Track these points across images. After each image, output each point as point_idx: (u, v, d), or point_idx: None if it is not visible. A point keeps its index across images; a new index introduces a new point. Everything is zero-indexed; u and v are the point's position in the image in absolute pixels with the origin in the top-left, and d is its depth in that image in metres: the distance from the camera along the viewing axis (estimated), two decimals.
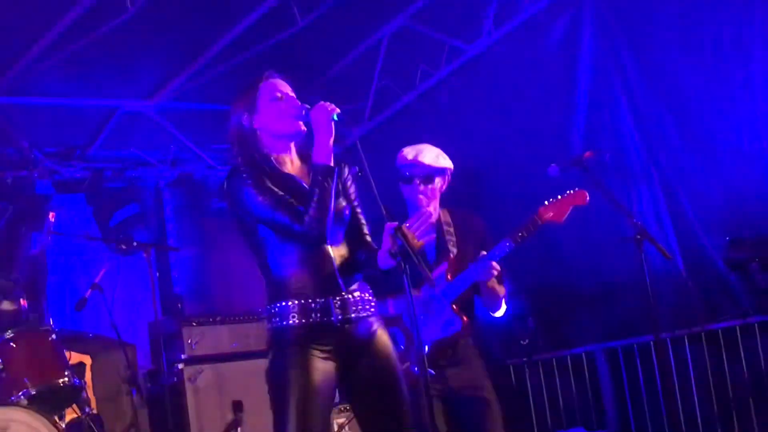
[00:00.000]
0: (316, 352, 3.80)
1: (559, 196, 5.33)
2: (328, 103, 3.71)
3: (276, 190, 3.75)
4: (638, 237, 5.38)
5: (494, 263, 5.17)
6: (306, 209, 3.66)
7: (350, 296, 3.90)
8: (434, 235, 4.83)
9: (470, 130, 8.40)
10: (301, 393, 3.77)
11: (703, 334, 7.27)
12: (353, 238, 4.11)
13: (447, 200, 7.70)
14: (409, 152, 5.38)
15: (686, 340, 7.31)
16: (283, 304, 3.81)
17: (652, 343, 7.19)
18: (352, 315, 3.86)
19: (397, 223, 3.70)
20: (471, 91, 8.51)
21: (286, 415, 3.78)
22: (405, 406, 3.91)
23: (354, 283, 3.92)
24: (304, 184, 3.84)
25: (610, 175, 7.07)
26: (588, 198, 5.33)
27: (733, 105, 7.09)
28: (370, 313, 3.92)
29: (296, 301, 3.80)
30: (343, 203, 3.99)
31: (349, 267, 3.97)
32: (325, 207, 3.68)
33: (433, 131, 8.61)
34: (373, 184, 3.86)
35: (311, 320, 3.78)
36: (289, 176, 3.88)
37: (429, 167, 5.21)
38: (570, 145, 7.71)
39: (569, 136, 7.91)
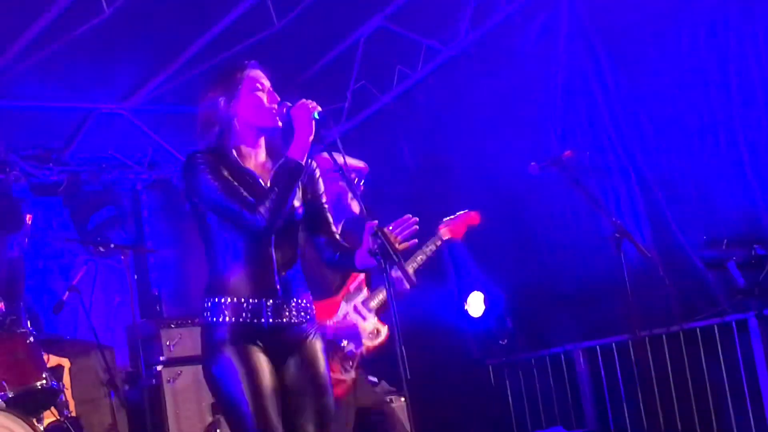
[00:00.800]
0: (249, 346, 3.79)
1: (454, 216, 5.44)
2: (310, 101, 3.67)
3: (231, 180, 3.72)
4: (617, 236, 5.40)
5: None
6: (263, 200, 3.63)
7: (285, 301, 3.86)
8: (416, 240, 4.83)
9: (447, 131, 8.46)
10: (246, 376, 3.74)
11: (681, 332, 7.29)
12: (320, 236, 4.07)
13: (420, 199, 7.74)
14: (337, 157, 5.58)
15: (664, 339, 7.35)
16: (216, 300, 3.77)
17: (630, 342, 7.09)
18: (284, 320, 3.83)
19: (377, 221, 3.63)
20: (448, 92, 8.47)
21: (237, 401, 3.73)
22: (327, 417, 3.93)
23: (293, 288, 3.88)
24: (261, 182, 3.81)
25: (587, 174, 6.83)
26: (480, 219, 5.56)
27: (709, 104, 7.06)
28: (303, 320, 3.89)
29: (229, 299, 3.77)
30: (297, 203, 3.93)
31: (290, 271, 3.91)
32: (284, 202, 3.64)
33: (411, 131, 8.87)
34: (352, 183, 4.06)
35: (241, 320, 3.75)
36: (247, 171, 3.84)
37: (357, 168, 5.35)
38: (547, 145, 7.64)
39: (547, 135, 7.87)
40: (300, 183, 3.84)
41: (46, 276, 8.01)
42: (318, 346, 3.96)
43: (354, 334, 5.35)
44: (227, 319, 3.75)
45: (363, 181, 5.48)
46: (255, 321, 3.75)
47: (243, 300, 3.75)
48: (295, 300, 3.85)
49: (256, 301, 3.77)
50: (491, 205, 7.46)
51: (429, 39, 8.41)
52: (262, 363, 3.78)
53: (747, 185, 7.02)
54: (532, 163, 5.89)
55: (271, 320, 3.75)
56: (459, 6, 7.87)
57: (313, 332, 3.97)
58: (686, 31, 7.38)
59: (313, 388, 3.89)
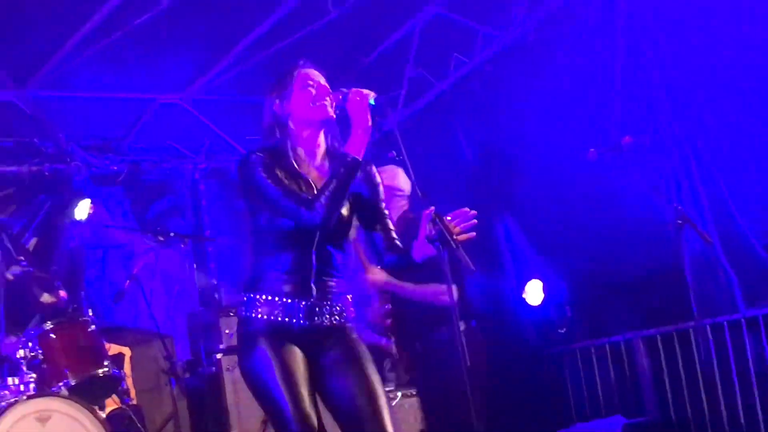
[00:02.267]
0: (282, 340, 3.80)
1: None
2: (364, 89, 3.67)
3: (286, 181, 3.73)
4: (679, 222, 5.26)
5: None
6: (318, 196, 3.62)
7: (319, 304, 3.86)
8: (474, 234, 4.90)
9: (505, 118, 8.31)
10: (277, 368, 3.73)
11: (743, 320, 7.18)
12: (380, 242, 4.07)
13: (477, 189, 7.74)
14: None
15: (726, 327, 7.22)
16: (252, 296, 3.81)
17: (691, 330, 7.19)
18: (316, 322, 3.83)
19: (434, 207, 3.59)
20: (505, 79, 8.33)
21: (271, 391, 3.71)
22: (372, 397, 3.87)
23: (329, 292, 3.88)
24: (315, 188, 3.81)
25: (647, 160, 6.77)
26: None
27: None
28: (335, 323, 3.89)
29: (265, 296, 3.81)
30: (345, 212, 3.94)
31: (329, 275, 3.91)
32: (340, 198, 3.64)
33: (467, 119, 8.75)
34: (411, 169, 3.87)
35: (273, 318, 3.78)
36: (302, 176, 3.85)
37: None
38: (607, 131, 7.34)
39: (606, 121, 7.61)
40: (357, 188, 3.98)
41: (106, 265, 8.04)
42: (355, 341, 3.97)
43: None
44: (261, 316, 3.81)
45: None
46: (287, 320, 3.79)
47: (278, 299, 3.80)
48: (329, 304, 3.87)
49: (290, 301, 3.80)
50: (550, 193, 7.61)
51: (485, 26, 8.27)
52: (296, 355, 3.81)
53: None
54: (591, 150, 5.71)
55: (302, 321, 3.78)
56: None
57: (348, 327, 3.97)
58: (746, 14, 7.10)
59: (356, 375, 3.88)
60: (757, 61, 7.03)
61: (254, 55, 7.68)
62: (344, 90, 3.74)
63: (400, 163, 4.05)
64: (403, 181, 5.84)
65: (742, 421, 7.28)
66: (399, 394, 6.90)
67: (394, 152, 3.87)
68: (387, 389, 6.13)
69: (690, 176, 7.32)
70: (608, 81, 7.69)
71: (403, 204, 5.94)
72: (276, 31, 7.43)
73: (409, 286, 5.82)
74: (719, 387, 7.18)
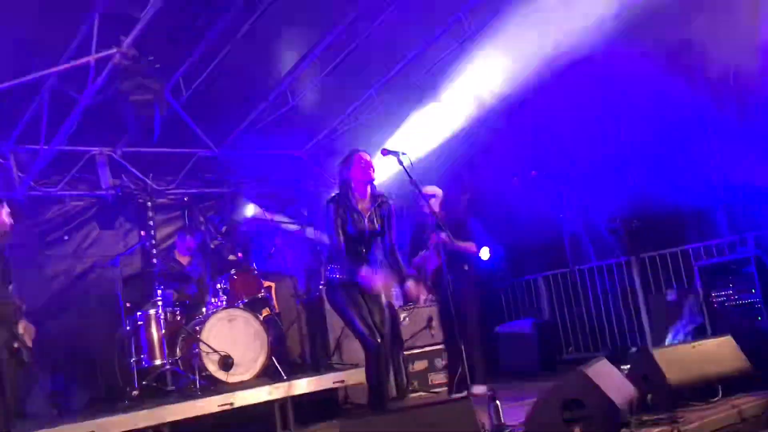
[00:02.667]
0: (348, 288, 5.13)
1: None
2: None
3: (338, 218, 5.05)
4: (560, 215, 7.41)
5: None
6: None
7: (367, 270, 5.09)
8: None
9: (479, 167, 8.88)
10: (349, 299, 5.10)
11: (594, 267, 8.50)
12: (386, 244, 5.28)
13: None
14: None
15: (586, 270, 8.67)
16: (333, 266, 5.18)
17: (568, 271, 8.72)
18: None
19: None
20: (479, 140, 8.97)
21: (347, 313, 5.13)
22: (385, 319, 5.16)
23: (371, 263, 5.14)
24: (363, 217, 5.11)
25: (544, 183, 8.21)
26: None
27: None
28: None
29: (340, 267, 5.16)
30: (378, 226, 5.21)
31: (369, 257, 5.18)
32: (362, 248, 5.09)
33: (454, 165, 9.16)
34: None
35: (346, 277, 5.10)
36: (356, 209, 5.12)
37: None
38: (523, 168, 8.53)
39: (522, 162, 8.71)
40: (380, 216, 5.21)
41: (262, 239, 8.95)
42: (380, 290, 5.20)
43: None
44: (338, 276, 5.16)
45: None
46: (352, 279, 5.09)
47: (348, 268, 5.11)
48: (372, 269, 5.12)
49: (353, 269, 5.09)
50: (495, 205, 8.22)
51: None
52: (356, 295, 5.14)
53: None
54: (533, 172, 7.55)
55: (357, 280, 5.06)
56: None
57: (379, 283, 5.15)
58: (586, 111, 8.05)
59: (379, 307, 5.21)
60: (593, 134, 8.12)
61: (348, 126, 9.00)
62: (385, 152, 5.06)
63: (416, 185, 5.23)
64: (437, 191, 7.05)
65: (594, 321, 8.71)
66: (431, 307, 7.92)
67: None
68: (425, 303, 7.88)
69: (567, 193, 8.50)
70: (522, 140, 8.73)
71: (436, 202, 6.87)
72: (361, 107, 8.81)
73: (459, 243, 6.78)
74: (582, 302, 8.81)
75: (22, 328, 5.06)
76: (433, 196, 6.86)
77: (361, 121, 8.87)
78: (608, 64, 7.60)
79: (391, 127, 8.97)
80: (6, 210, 5.21)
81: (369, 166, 5.10)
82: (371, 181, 5.11)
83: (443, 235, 6.45)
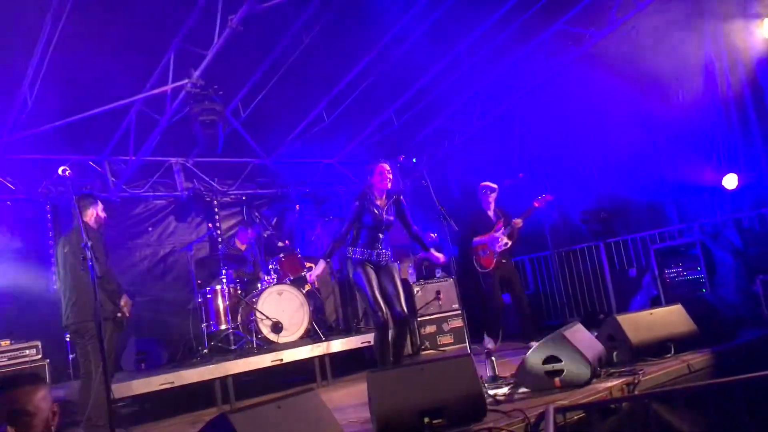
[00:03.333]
0: (366, 266, 5.13)
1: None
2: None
3: (355, 214, 5.02)
4: (537, 206, 6.94)
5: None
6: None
7: (380, 252, 5.16)
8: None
9: (472, 173, 8.35)
10: (366, 278, 5.09)
11: (579, 248, 8.29)
12: (407, 229, 5.26)
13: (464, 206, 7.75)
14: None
15: (571, 251, 8.46)
16: (354, 248, 5.19)
17: (553, 253, 8.44)
18: (381, 259, 5.17)
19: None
20: (480, 148, 8.89)
21: (364, 289, 5.06)
22: (397, 287, 5.12)
23: (383, 247, 5.16)
24: (381, 212, 5.07)
25: (528, 185, 7.93)
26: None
27: None
28: (388, 258, 5.18)
29: (359, 249, 5.17)
30: (391, 217, 5.16)
31: (384, 241, 5.17)
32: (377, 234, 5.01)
33: (456, 171, 9.25)
34: (433, 192, 5.00)
35: (364, 257, 5.13)
36: (376, 205, 5.14)
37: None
38: (511, 171, 8.24)
39: (510, 166, 8.48)
40: (395, 211, 5.18)
41: (305, 230, 9.20)
42: (394, 268, 5.20)
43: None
44: (358, 256, 5.16)
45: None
46: (368, 258, 5.15)
47: (365, 250, 5.15)
48: (384, 251, 5.17)
49: (370, 251, 5.15)
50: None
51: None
52: (372, 273, 5.13)
53: None
54: (520, 174, 7.41)
55: (374, 258, 5.15)
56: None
57: (391, 263, 5.19)
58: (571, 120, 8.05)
59: (394, 282, 5.18)
60: (571, 146, 8.19)
61: (369, 140, 8.97)
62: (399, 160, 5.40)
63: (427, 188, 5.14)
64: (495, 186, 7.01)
65: (570, 293, 8.51)
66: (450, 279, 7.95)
67: (425, 180, 5.22)
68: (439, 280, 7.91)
69: (547, 190, 7.43)
70: (512, 149, 8.99)
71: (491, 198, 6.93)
72: (381, 124, 8.78)
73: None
74: (560, 278, 8.67)
75: (123, 301, 5.12)
76: (494, 190, 7.04)
77: (382, 136, 8.85)
78: (577, 84, 7.76)
79: (405, 138, 9.04)
80: (101, 206, 5.27)
81: (386, 176, 5.09)
82: (387, 188, 5.10)
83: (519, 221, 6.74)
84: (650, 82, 7.25)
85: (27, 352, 5.65)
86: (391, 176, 5.07)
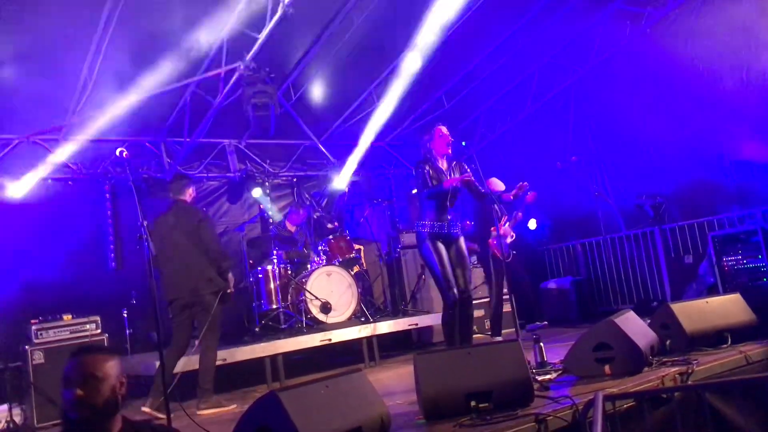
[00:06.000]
0: (436, 241, 4.98)
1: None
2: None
3: (428, 174, 4.88)
4: (597, 194, 7.17)
5: None
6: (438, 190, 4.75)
7: (450, 223, 5.03)
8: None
9: (519, 158, 8.63)
10: (437, 254, 4.98)
11: (624, 235, 8.30)
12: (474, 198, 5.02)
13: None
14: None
15: (617, 238, 8.39)
16: (423, 222, 5.04)
17: (601, 239, 8.29)
18: (451, 231, 5.04)
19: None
20: (526, 139, 8.89)
21: (434, 266, 4.95)
22: (464, 264, 5.05)
23: (453, 218, 5.02)
24: (445, 174, 4.96)
25: (583, 168, 7.99)
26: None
27: None
28: (458, 230, 5.06)
29: (428, 222, 5.03)
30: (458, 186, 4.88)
31: (453, 212, 5.00)
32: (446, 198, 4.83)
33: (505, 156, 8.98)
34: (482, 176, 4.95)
35: (433, 231, 4.98)
36: (439, 169, 5.03)
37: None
38: (564, 154, 8.11)
39: (564, 150, 8.33)
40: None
41: (353, 211, 9.32)
42: (462, 241, 5.07)
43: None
44: (427, 230, 5.00)
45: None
46: (439, 231, 4.99)
47: (435, 223, 5.00)
48: (454, 223, 5.03)
49: (440, 223, 4.99)
50: (544, 185, 7.44)
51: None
52: (442, 247, 4.99)
53: None
54: (558, 163, 7.25)
55: (444, 231, 4.99)
56: None
57: (461, 236, 5.07)
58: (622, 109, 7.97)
59: (461, 258, 5.08)
60: (626, 128, 8.07)
61: (419, 122, 9.03)
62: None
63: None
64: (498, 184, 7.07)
65: (623, 280, 8.51)
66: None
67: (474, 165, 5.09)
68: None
69: (601, 174, 8.49)
70: (565, 132, 8.93)
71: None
72: (430, 107, 8.89)
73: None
74: (613, 264, 8.63)
75: (230, 278, 5.42)
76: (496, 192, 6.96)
77: (429, 119, 8.71)
78: (633, 65, 7.63)
79: (456, 120, 8.77)
80: (193, 187, 5.64)
81: (446, 138, 4.99)
82: (448, 151, 5.00)
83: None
84: (712, 61, 7.10)
85: (87, 326, 5.87)
86: (451, 139, 4.96)
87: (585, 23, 7.61)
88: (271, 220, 8.59)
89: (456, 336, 4.97)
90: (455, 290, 4.83)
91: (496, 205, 6.62)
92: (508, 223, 6.93)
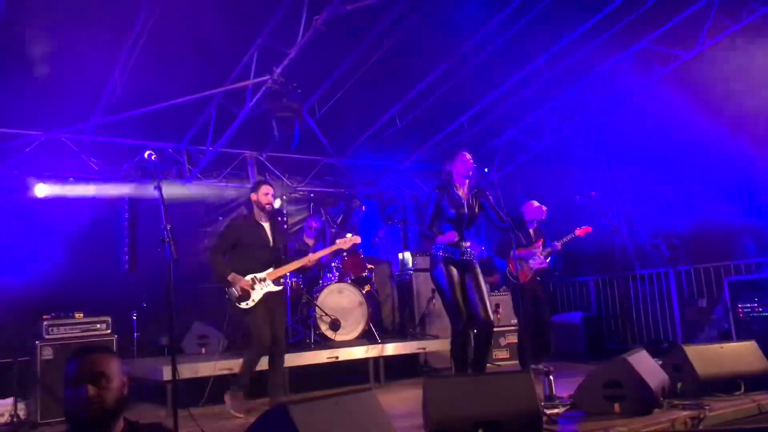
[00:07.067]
0: (449, 265, 4.88)
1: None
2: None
3: (436, 205, 4.81)
4: (614, 228, 6.95)
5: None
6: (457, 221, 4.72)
7: (465, 249, 4.95)
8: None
9: (546, 188, 8.41)
10: (449, 278, 4.88)
11: (638, 274, 8.18)
12: (492, 222, 4.98)
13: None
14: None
15: (630, 276, 8.28)
16: (437, 244, 4.93)
17: (615, 277, 8.28)
18: (464, 257, 4.94)
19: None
20: (542, 173, 8.86)
21: (446, 291, 4.85)
22: (482, 292, 4.89)
23: (467, 246, 4.95)
24: (464, 202, 4.87)
25: (601, 202, 7.24)
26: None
27: None
28: (472, 257, 4.95)
29: (443, 245, 4.94)
30: (475, 212, 4.92)
31: (467, 237, 4.97)
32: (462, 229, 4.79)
33: (527, 185, 9.03)
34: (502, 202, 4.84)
35: (447, 255, 4.88)
36: (457, 197, 4.94)
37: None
38: (587, 189, 7.60)
39: (588, 185, 7.99)
40: (478, 204, 4.94)
41: (368, 231, 9.06)
42: (478, 269, 4.94)
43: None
44: (441, 253, 4.90)
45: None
46: (453, 256, 4.89)
47: (448, 247, 4.90)
48: (469, 249, 4.95)
49: (454, 248, 4.91)
50: (572, 218, 7.23)
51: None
52: (455, 272, 4.88)
53: None
54: (593, 193, 7.01)
55: (458, 256, 4.89)
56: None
57: (476, 262, 4.94)
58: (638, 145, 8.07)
59: (479, 286, 4.93)
60: (640, 163, 8.09)
61: (439, 147, 9.01)
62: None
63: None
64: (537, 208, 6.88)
65: (634, 318, 8.41)
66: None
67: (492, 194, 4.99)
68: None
69: (618, 211, 8.33)
70: (584, 166, 8.83)
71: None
72: (451, 133, 8.88)
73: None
74: (625, 302, 8.52)
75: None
76: (541, 213, 6.97)
77: (452, 143, 8.78)
78: (657, 104, 7.63)
79: (476, 147, 8.55)
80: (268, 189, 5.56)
81: (469, 164, 4.93)
82: (469, 176, 4.93)
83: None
84: (737, 104, 7.05)
85: (98, 326, 5.85)
86: (473, 165, 4.92)
87: (611, 59, 7.65)
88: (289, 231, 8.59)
89: (465, 362, 4.90)
90: (462, 317, 4.76)
91: (531, 230, 6.71)
92: (541, 250, 6.78)
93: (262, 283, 5.38)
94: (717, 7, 6.95)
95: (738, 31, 7.01)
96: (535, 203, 6.91)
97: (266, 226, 5.51)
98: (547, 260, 6.75)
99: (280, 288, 5.37)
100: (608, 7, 6.72)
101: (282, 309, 5.47)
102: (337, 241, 5.82)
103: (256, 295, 5.28)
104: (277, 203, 8.11)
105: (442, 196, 4.85)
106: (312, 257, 5.35)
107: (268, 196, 5.47)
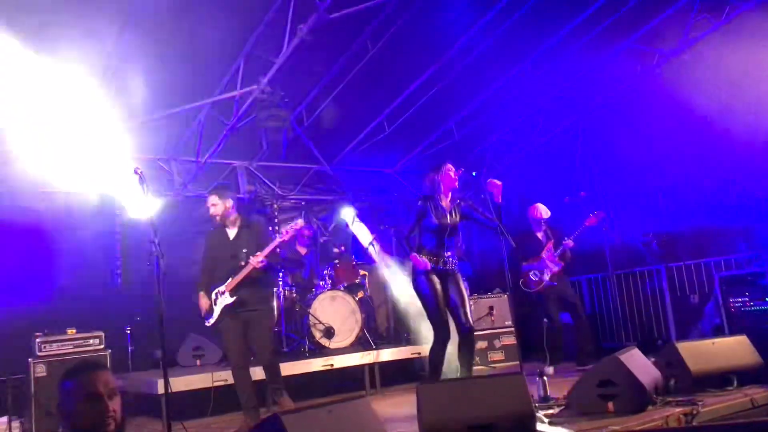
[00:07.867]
0: (431, 275, 4.88)
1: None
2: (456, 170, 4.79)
3: (420, 215, 4.83)
4: (604, 228, 7.05)
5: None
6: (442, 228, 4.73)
7: (446, 259, 4.96)
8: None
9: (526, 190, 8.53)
10: (431, 288, 4.87)
11: (638, 271, 8.04)
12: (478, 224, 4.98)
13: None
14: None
15: (623, 274, 8.27)
16: (421, 254, 4.92)
17: (607, 276, 8.20)
18: (447, 267, 4.95)
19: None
20: (534, 172, 8.87)
21: (429, 301, 4.86)
22: (463, 299, 4.91)
23: (451, 254, 4.96)
24: (447, 213, 4.91)
25: (588, 202, 7.79)
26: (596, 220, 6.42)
27: None
28: (454, 266, 4.95)
29: (426, 257, 4.93)
30: (457, 221, 4.95)
31: (450, 248, 4.94)
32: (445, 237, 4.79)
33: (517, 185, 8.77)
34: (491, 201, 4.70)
35: (430, 265, 4.88)
36: (441, 207, 4.97)
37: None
38: (571, 190, 8.11)
39: (571, 185, 8.32)
40: (459, 213, 4.98)
41: (360, 238, 8.93)
42: (459, 277, 4.97)
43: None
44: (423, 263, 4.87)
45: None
46: (435, 267, 4.90)
47: (432, 257, 4.93)
48: (451, 259, 4.94)
49: (435, 258, 4.93)
50: (558, 219, 7.35)
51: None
52: (437, 281, 4.89)
53: None
54: (566, 198, 7.41)
55: (440, 267, 4.91)
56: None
57: (457, 271, 4.98)
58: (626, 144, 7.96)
59: (460, 293, 4.94)
60: (634, 165, 8.05)
61: (428, 151, 8.99)
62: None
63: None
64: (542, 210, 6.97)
65: (627, 317, 8.29)
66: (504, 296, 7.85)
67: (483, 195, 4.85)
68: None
69: (608, 210, 7.77)
70: (572, 166, 8.88)
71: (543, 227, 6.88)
72: (441, 136, 8.79)
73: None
74: (618, 301, 8.38)
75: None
76: (546, 214, 7.03)
77: (441, 147, 8.80)
78: (643, 103, 7.68)
79: (465, 151, 8.92)
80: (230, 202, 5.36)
81: (453, 177, 4.95)
82: (454, 187, 4.93)
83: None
84: (721, 102, 7.06)
85: (91, 341, 5.85)
86: (457, 176, 4.92)
87: (596, 60, 7.67)
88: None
89: (440, 371, 4.88)
90: (446, 327, 4.78)
91: (539, 234, 6.81)
92: (551, 253, 6.82)
93: (222, 296, 5.09)
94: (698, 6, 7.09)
95: (721, 28, 7.15)
96: (539, 205, 6.96)
97: (231, 234, 5.21)
98: (556, 268, 6.84)
99: (234, 300, 4.94)
100: (591, 7, 6.79)
101: (258, 321, 5.04)
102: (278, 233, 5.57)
103: (216, 310, 5.02)
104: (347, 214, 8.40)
105: (426, 207, 4.88)
106: (254, 261, 4.91)
107: (211, 207, 5.19)
